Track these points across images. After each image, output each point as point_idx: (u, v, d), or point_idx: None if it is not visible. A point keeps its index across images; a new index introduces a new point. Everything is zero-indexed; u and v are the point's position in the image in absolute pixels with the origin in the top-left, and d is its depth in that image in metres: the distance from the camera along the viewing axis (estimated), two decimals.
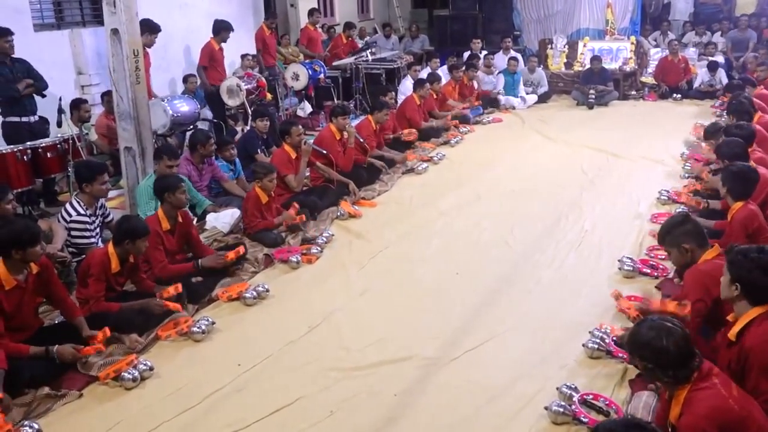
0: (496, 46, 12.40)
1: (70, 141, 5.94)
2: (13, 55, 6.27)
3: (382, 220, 6.02)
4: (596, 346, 3.67)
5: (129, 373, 3.59)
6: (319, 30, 11.79)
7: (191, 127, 7.34)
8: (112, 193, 6.08)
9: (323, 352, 3.89)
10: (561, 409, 3.15)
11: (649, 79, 11.64)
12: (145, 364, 3.70)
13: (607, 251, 5.12)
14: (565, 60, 12.07)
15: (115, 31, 5.52)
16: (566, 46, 12.22)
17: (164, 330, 4.07)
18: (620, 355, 3.58)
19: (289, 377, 3.65)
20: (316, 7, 12.40)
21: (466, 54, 11.94)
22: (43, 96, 6.48)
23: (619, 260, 4.77)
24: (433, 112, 9.21)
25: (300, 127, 6.46)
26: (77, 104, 7.10)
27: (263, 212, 5.54)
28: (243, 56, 9.94)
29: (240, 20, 10.29)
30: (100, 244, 4.78)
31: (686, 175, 6.73)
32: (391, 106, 8.33)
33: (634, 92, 11.35)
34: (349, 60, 10.73)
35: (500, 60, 11.41)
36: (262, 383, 3.62)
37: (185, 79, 8.90)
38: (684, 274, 3.56)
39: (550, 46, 12.38)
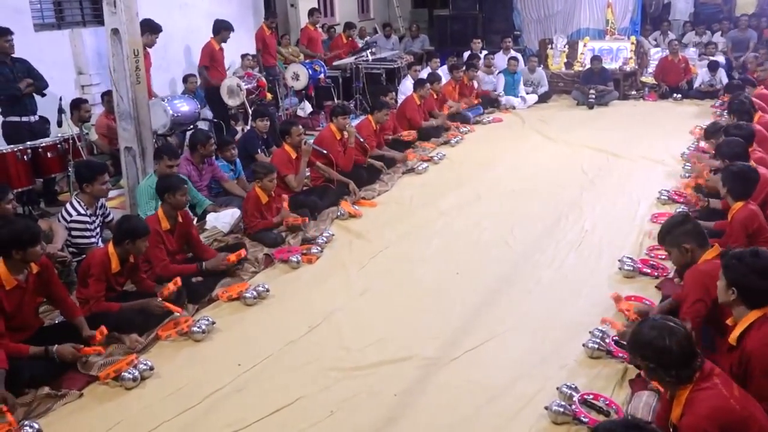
0: (496, 46, 12.40)
1: (71, 141, 5.94)
2: (13, 55, 6.27)
3: (382, 220, 6.01)
4: (596, 346, 3.67)
5: (129, 373, 3.59)
6: (320, 30, 11.79)
7: (191, 127, 7.34)
8: (112, 193, 6.07)
9: (323, 352, 3.89)
10: (561, 409, 3.15)
11: (649, 79, 11.62)
12: (145, 364, 3.70)
13: (607, 251, 5.12)
14: (566, 60, 12.06)
15: (115, 31, 5.52)
16: (566, 46, 12.21)
17: (164, 330, 4.08)
18: (620, 355, 3.59)
19: (289, 377, 3.65)
20: (316, 7, 12.39)
21: (467, 54, 11.93)
22: (44, 95, 6.48)
23: (619, 260, 4.77)
24: (433, 112, 9.21)
25: (300, 127, 6.46)
26: (77, 104, 7.11)
27: (263, 212, 5.54)
28: (243, 56, 9.94)
29: (240, 20, 10.28)
30: (101, 244, 4.78)
31: (686, 174, 6.73)
32: (391, 106, 8.32)
33: (634, 92, 11.34)
34: (349, 60, 10.72)
35: (500, 60, 11.40)
36: (263, 383, 3.62)
37: (185, 79, 8.91)
38: (684, 274, 3.56)
39: (550, 46, 12.37)
